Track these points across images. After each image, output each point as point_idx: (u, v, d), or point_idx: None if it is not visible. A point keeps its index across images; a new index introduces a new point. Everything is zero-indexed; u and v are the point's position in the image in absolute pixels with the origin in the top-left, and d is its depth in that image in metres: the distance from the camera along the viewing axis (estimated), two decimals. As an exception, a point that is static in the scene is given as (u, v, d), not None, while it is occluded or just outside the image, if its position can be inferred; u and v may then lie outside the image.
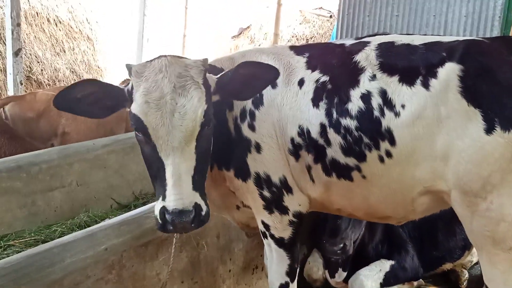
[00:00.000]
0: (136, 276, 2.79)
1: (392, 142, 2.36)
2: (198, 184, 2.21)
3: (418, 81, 2.34)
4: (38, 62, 10.99)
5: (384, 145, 2.38)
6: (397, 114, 2.35)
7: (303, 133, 2.53)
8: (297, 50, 2.76)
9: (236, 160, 2.66)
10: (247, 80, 2.39)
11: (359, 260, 4.03)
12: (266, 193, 2.65)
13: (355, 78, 2.46)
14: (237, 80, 2.39)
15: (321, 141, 2.50)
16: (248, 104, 2.60)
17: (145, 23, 11.67)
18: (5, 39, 9.45)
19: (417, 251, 4.25)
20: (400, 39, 2.56)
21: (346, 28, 10.03)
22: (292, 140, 2.55)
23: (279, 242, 2.80)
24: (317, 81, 2.55)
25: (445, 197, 2.43)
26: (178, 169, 2.13)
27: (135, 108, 2.19)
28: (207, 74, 2.35)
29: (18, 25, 9.19)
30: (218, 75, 2.43)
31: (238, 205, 2.91)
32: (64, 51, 11.90)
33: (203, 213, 2.18)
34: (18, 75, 9.32)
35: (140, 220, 2.87)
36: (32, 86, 10.71)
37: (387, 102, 2.37)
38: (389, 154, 2.39)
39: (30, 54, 10.90)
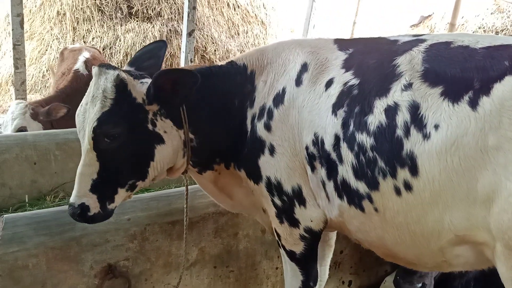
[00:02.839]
0: (160, 251, 2.90)
1: (414, 171, 1.92)
2: (100, 188, 2.31)
3: (466, 98, 1.83)
4: (213, 43, 12.02)
5: (403, 173, 1.95)
6: (426, 137, 1.89)
7: (317, 142, 2.25)
8: (342, 44, 2.44)
9: (248, 161, 2.51)
10: (172, 87, 2.31)
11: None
12: (277, 200, 2.46)
13: (387, 86, 2.06)
14: (163, 89, 2.31)
15: (333, 156, 2.19)
16: (269, 101, 2.42)
17: (314, 9, 11.67)
18: (183, 21, 10.58)
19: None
20: (462, 39, 2.03)
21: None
22: (307, 148, 2.30)
23: (290, 255, 2.60)
24: (345, 84, 2.21)
25: (486, 251, 1.91)
26: (80, 169, 2.29)
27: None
28: (138, 85, 2.35)
29: (194, 8, 10.18)
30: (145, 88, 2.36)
31: (263, 207, 2.74)
32: (238, 34, 12.74)
33: (90, 213, 2.31)
34: (189, 54, 10.40)
35: (172, 199, 2.97)
36: (205, 64, 11.82)
37: (417, 120, 1.92)
38: (408, 187, 1.96)
39: (207, 35, 11.99)
